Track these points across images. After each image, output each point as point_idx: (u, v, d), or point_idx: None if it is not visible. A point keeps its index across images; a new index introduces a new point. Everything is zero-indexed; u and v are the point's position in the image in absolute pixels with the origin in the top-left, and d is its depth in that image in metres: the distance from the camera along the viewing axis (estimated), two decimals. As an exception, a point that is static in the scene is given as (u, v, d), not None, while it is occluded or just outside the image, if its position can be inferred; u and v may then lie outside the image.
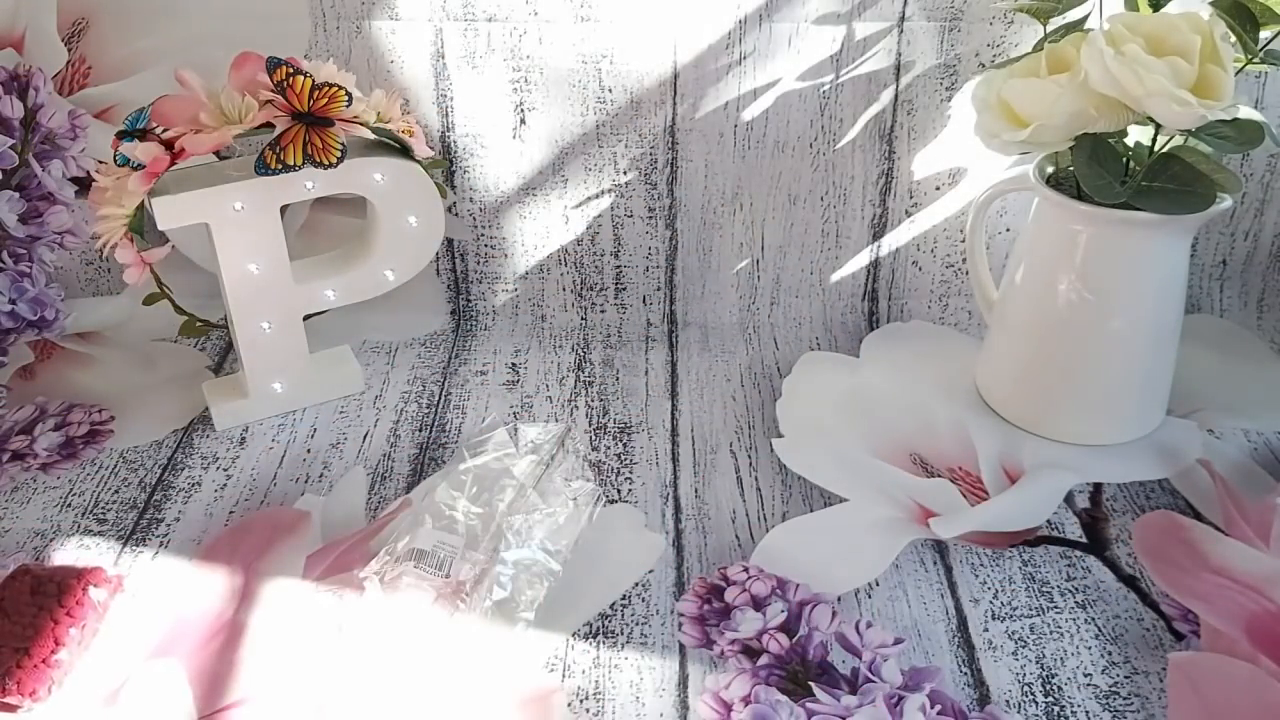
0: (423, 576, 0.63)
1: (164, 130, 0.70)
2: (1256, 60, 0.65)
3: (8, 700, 0.56)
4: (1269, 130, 0.65)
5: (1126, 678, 0.59)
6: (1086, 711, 0.57)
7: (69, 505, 0.72)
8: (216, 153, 0.73)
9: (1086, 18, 0.71)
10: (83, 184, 0.83)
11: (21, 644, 0.58)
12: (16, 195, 0.80)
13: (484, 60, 0.83)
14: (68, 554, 0.68)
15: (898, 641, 0.57)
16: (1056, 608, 0.63)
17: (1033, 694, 0.58)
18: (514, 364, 0.87)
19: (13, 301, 0.82)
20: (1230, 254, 0.90)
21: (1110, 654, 0.60)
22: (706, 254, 0.90)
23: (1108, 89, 0.63)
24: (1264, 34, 0.64)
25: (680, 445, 0.77)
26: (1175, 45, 0.62)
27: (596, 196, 0.88)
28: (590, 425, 0.79)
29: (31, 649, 0.58)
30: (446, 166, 0.87)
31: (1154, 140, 0.68)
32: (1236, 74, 0.62)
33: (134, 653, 0.60)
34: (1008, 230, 0.88)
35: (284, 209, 0.75)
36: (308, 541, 0.68)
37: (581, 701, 0.58)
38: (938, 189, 0.87)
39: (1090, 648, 0.60)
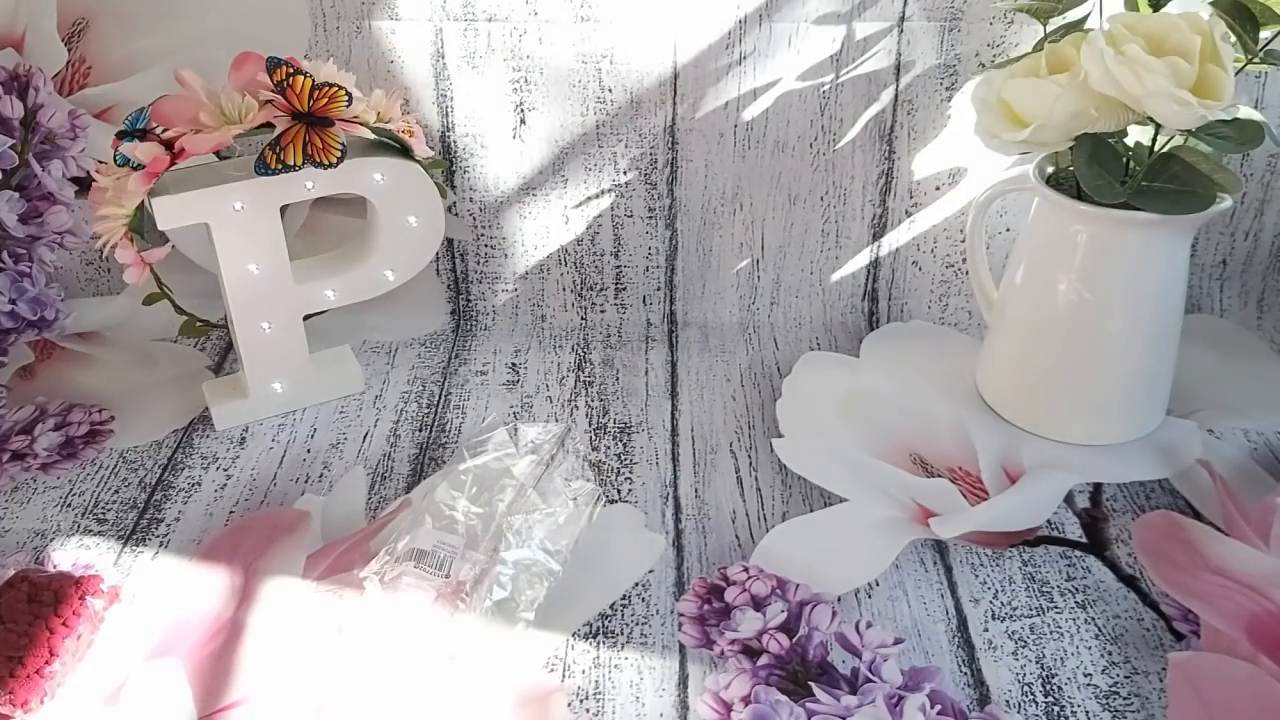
0: (423, 576, 0.63)
1: (164, 130, 0.70)
2: (1256, 60, 0.65)
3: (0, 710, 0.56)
4: (1269, 130, 0.65)
5: (1126, 678, 0.59)
6: (1086, 711, 0.57)
7: (69, 505, 0.72)
8: (216, 153, 0.73)
9: (1086, 18, 0.71)
10: (83, 184, 0.83)
11: (16, 653, 0.58)
12: (16, 195, 0.81)
13: (484, 60, 0.83)
14: (68, 554, 0.68)
15: (898, 641, 0.57)
16: (1056, 608, 0.63)
17: (1033, 694, 0.58)
18: (514, 364, 0.87)
19: (13, 301, 0.82)
20: (1230, 254, 0.90)
21: (1110, 654, 0.60)
22: (706, 254, 0.90)
23: (1108, 89, 0.63)
24: (1264, 34, 0.64)
25: (680, 445, 0.77)
26: (1175, 45, 0.62)
27: (596, 196, 0.88)
28: (590, 425, 0.79)
29: (26, 659, 0.58)
30: (446, 166, 0.87)
31: (1154, 140, 0.68)
32: (1236, 74, 0.62)
33: (134, 652, 0.60)
34: (1008, 230, 0.88)
35: (284, 209, 0.75)
36: (308, 541, 0.68)
37: (581, 701, 0.58)
38: (938, 189, 0.87)
39: (1090, 648, 0.60)
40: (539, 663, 0.60)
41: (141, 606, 0.64)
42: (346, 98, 0.70)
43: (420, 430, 0.79)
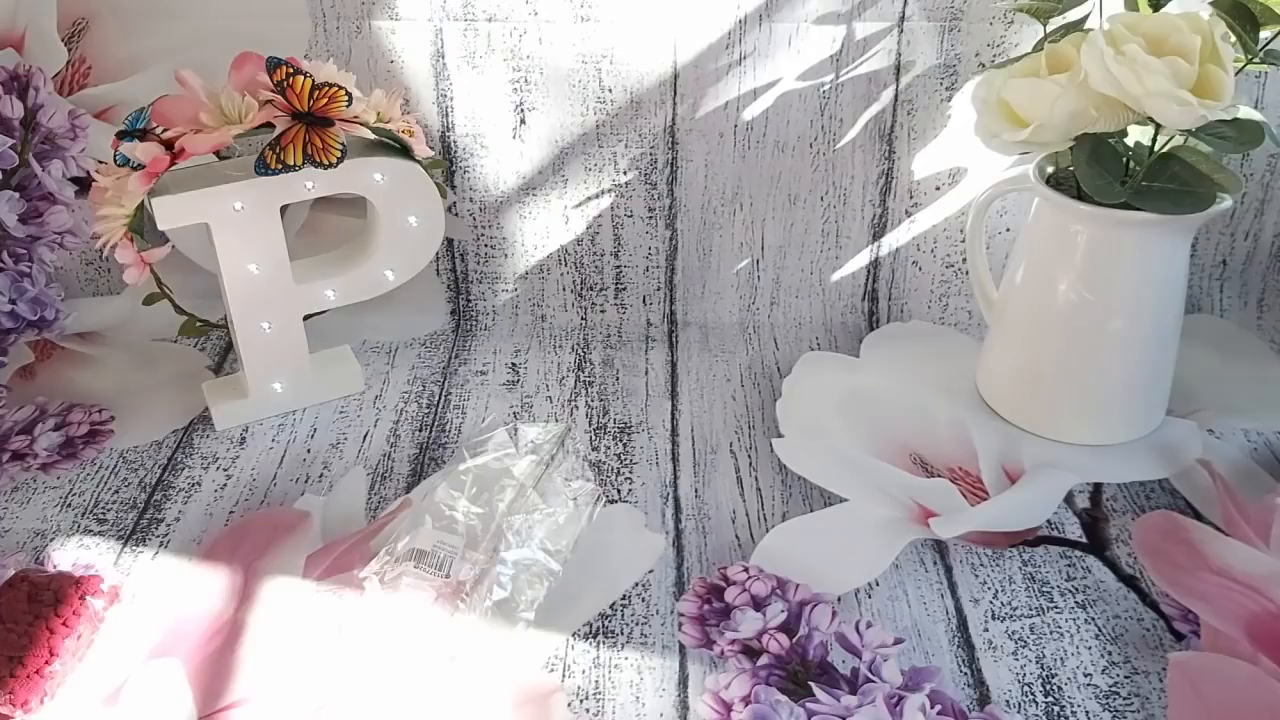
0: (423, 576, 0.63)
1: (164, 130, 0.70)
2: (1256, 60, 0.65)
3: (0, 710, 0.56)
4: (1269, 130, 0.65)
5: (1126, 678, 0.59)
6: (1086, 711, 0.57)
7: (69, 505, 0.72)
8: (216, 153, 0.73)
9: (1086, 18, 0.71)
10: (83, 184, 0.83)
11: (16, 654, 0.58)
12: (16, 195, 0.80)
13: (484, 60, 0.83)
14: (68, 554, 0.68)
15: (898, 641, 0.57)
16: (1056, 608, 0.63)
17: (1033, 694, 0.58)
18: (514, 364, 0.87)
19: (13, 301, 0.82)
20: (1230, 254, 0.90)
21: (1110, 654, 0.60)
22: (706, 254, 0.90)
23: (1108, 89, 0.63)
24: (1264, 34, 0.64)
25: (680, 445, 0.77)
26: (1175, 45, 0.62)
27: (596, 196, 0.88)
28: (590, 425, 0.79)
29: (26, 659, 0.57)
30: (446, 166, 0.87)
31: (1154, 140, 0.68)
32: (1236, 74, 0.62)
33: (134, 652, 0.60)
34: (1008, 230, 0.88)
35: (284, 209, 0.75)
36: (308, 541, 0.68)
37: (581, 701, 0.58)
38: (938, 189, 0.87)
39: (1090, 648, 0.60)
40: (539, 663, 0.60)
41: (141, 606, 0.64)
42: (346, 98, 0.70)
43: (420, 430, 0.79)
